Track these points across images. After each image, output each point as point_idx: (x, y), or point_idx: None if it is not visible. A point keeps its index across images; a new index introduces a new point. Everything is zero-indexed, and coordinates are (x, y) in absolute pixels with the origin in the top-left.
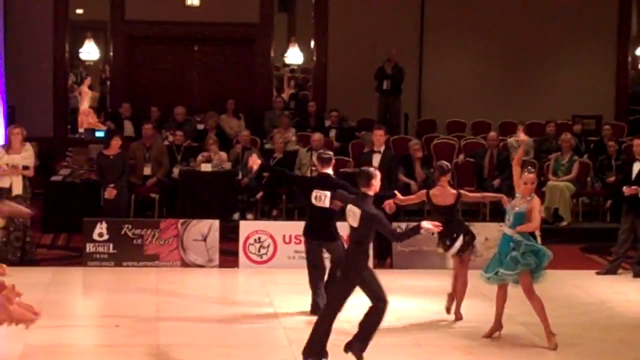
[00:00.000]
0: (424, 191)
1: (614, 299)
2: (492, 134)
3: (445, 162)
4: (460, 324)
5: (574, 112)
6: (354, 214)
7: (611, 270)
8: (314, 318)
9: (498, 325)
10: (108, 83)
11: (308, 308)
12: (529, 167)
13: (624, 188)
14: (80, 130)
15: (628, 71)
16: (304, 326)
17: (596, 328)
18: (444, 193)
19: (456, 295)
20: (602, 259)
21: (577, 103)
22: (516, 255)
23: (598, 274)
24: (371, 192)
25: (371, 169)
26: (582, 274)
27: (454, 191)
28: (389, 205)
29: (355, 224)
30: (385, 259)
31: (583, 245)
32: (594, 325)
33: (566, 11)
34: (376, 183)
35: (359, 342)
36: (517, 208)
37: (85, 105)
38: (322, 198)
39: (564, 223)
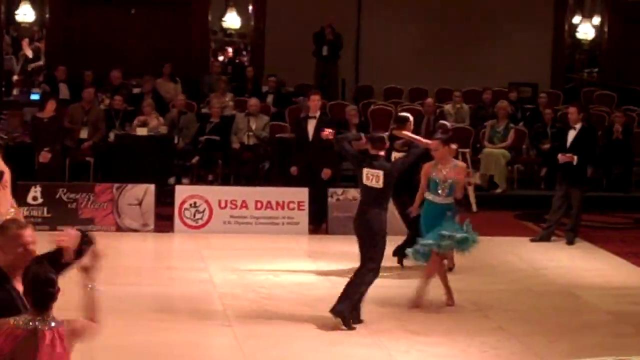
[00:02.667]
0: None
1: (548, 266)
2: (429, 100)
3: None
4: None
5: (510, 79)
6: (375, 176)
7: (545, 237)
8: (250, 283)
9: (450, 299)
10: (36, 44)
11: (241, 271)
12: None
13: (559, 156)
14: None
15: (564, 39)
16: (239, 291)
17: (530, 294)
18: None
19: None
20: (536, 226)
21: (513, 71)
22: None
23: (532, 240)
24: (382, 153)
25: (384, 135)
26: (516, 241)
27: None
28: (325, 174)
29: (379, 185)
30: (320, 224)
31: (518, 212)
32: (528, 291)
33: None
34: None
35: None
36: (449, 180)
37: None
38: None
39: (499, 190)
